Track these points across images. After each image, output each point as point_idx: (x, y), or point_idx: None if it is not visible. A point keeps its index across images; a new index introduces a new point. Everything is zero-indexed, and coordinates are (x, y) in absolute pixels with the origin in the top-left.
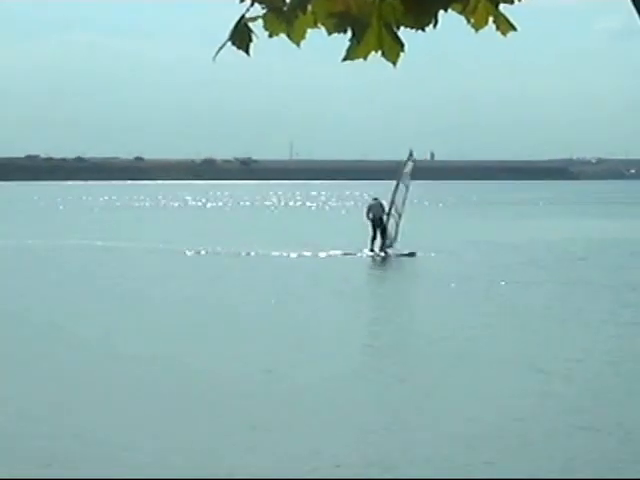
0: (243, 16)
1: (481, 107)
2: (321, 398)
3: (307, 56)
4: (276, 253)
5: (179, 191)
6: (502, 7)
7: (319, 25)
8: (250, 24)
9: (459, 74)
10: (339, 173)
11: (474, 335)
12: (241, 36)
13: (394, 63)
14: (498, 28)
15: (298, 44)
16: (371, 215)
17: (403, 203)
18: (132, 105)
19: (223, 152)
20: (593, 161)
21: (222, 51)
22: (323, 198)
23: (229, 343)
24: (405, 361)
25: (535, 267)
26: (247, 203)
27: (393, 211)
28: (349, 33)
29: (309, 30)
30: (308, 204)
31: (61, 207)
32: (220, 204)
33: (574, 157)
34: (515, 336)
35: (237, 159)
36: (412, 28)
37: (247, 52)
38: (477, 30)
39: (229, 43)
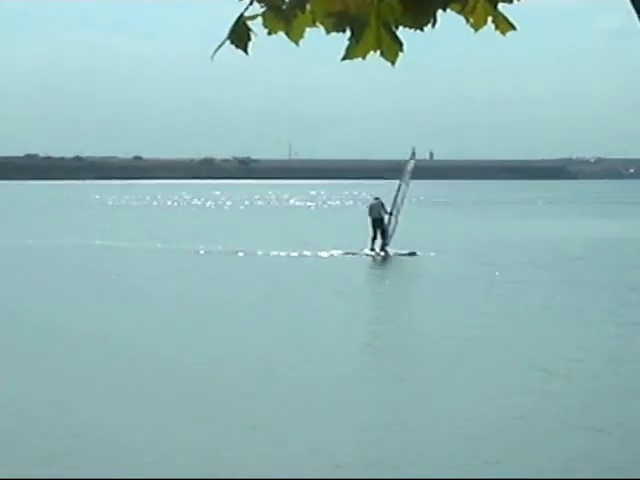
0: (242, 15)
1: (480, 107)
2: (321, 398)
3: (306, 56)
4: (276, 253)
5: (178, 190)
6: (501, 7)
7: (318, 24)
8: (249, 23)
9: (458, 74)
10: (338, 173)
11: (474, 335)
12: (240, 35)
13: (393, 63)
14: (497, 28)
15: (297, 43)
16: (371, 215)
17: (402, 202)
18: (131, 104)
19: (222, 151)
20: (592, 161)
21: (221, 50)
22: (323, 197)
23: (229, 343)
24: (405, 361)
25: (535, 267)
26: (246, 202)
27: (395, 211)
28: (348, 32)
29: (308, 29)
30: (307, 203)
31: (60, 206)
32: (219, 203)
33: (573, 157)
34: (515, 336)
35: (236, 158)
36: (411, 28)
37: (246, 51)
38: (476, 30)
39: (228, 42)
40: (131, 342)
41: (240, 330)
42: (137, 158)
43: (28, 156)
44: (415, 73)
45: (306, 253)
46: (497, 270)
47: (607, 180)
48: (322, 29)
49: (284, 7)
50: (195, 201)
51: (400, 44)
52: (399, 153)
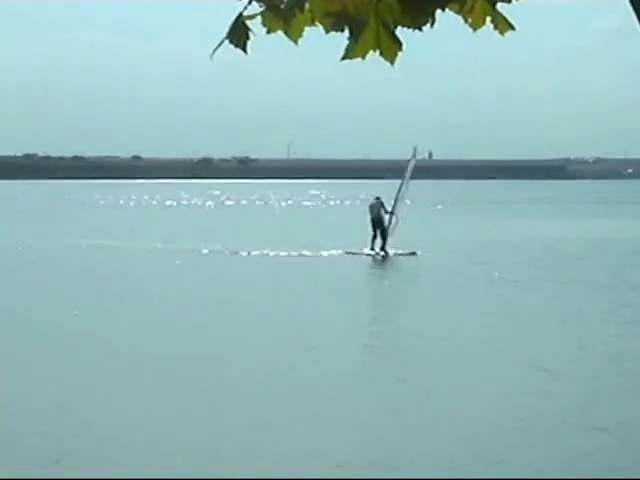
0: (241, 14)
1: (479, 106)
2: (321, 398)
3: (305, 55)
4: (276, 252)
5: (177, 190)
6: (499, 6)
7: (317, 23)
8: (248, 22)
9: (457, 73)
10: (337, 172)
11: (474, 334)
12: (239, 34)
13: (392, 62)
14: (496, 28)
15: (296, 42)
16: (371, 214)
17: (402, 200)
18: (130, 104)
19: (221, 151)
20: (591, 160)
21: (220, 49)
22: (323, 197)
23: (229, 342)
24: (405, 361)
25: (534, 266)
26: (245, 202)
27: (396, 210)
28: (347, 32)
29: (307, 28)
30: (307, 203)
31: (59, 206)
32: (219, 203)
33: (571, 156)
34: (515, 336)
35: (235, 158)
36: (409, 27)
37: (244, 50)
38: (475, 30)
39: (227, 41)
40: (131, 342)
41: (240, 330)
42: (136, 158)
43: (27, 156)
44: (414, 73)
45: (306, 253)
46: (497, 270)
47: (606, 180)
48: (321, 28)
49: (283, 6)
50: (194, 201)
51: (399, 44)
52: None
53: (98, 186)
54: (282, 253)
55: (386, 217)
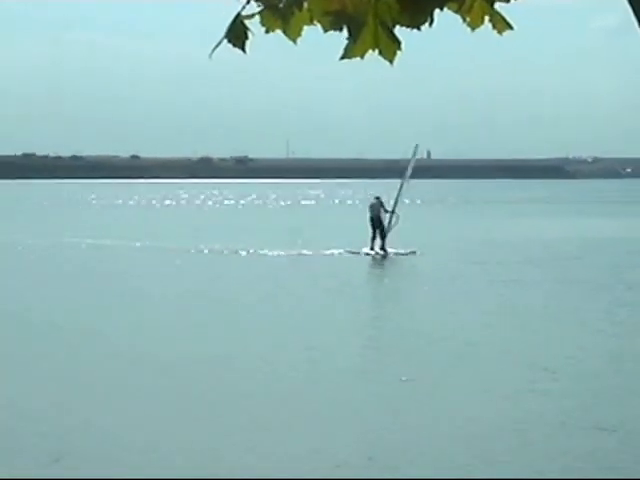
0: (239, 13)
1: (477, 106)
2: (321, 398)
3: (304, 55)
4: (275, 252)
5: (176, 190)
6: (498, 6)
7: (315, 23)
8: (246, 21)
9: (455, 73)
10: (336, 172)
11: (473, 334)
12: (237, 34)
13: (391, 61)
14: (494, 27)
15: (295, 41)
16: (371, 214)
17: (401, 199)
18: (128, 103)
19: (219, 150)
20: (589, 160)
21: (219, 49)
22: (322, 196)
23: (229, 342)
24: (405, 361)
25: (533, 266)
26: (243, 202)
27: (396, 208)
28: (345, 31)
29: (305, 28)
30: (306, 202)
31: (58, 205)
32: (218, 202)
33: (570, 156)
34: (514, 336)
35: (233, 157)
36: (408, 27)
37: (243, 50)
38: (473, 29)
39: (225, 41)
40: (131, 341)
41: (240, 329)
42: (135, 157)
43: (25, 155)
44: (412, 72)
45: (305, 252)
46: (496, 269)
47: (604, 179)
48: (319, 27)
49: (281, 5)
50: (193, 200)
51: (398, 43)
52: (397, 152)
53: (96, 186)
54: (282, 252)
55: (387, 216)
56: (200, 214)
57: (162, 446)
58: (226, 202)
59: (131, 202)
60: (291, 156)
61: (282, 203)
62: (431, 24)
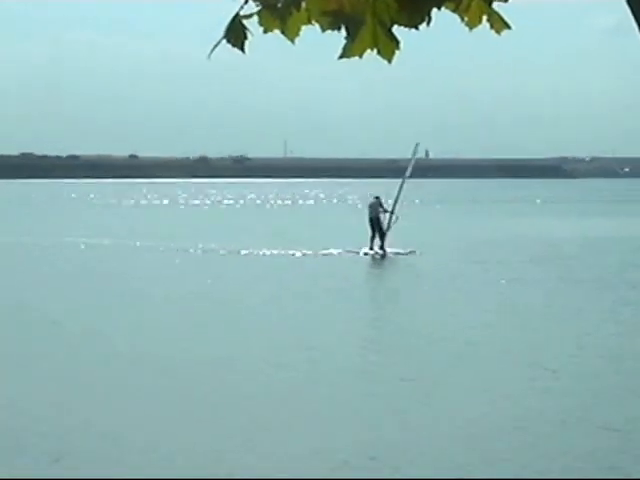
0: (237, 13)
1: (475, 105)
2: (321, 398)
3: (302, 54)
4: (275, 251)
5: (174, 189)
6: (496, 5)
7: (313, 22)
8: (245, 21)
9: (453, 72)
10: (334, 171)
11: (474, 334)
12: (236, 33)
13: (389, 61)
14: (492, 26)
15: (293, 41)
16: (370, 214)
17: (401, 200)
18: (126, 103)
19: (217, 150)
20: (587, 159)
21: (217, 49)
22: (321, 196)
23: (228, 343)
24: (405, 361)
25: (534, 265)
26: (241, 201)
27: (396, 208)
28: (343, 31)
29: (304, 27)
30: (304, 202)
31: (56, 205)
32: (216, 202)
33: (568, 155)
34: (515, 334)
35: (231, 157)
36: (406, 26)
37: (242, 49)
38: (471, 29)
39: (224, 41)
40: (131, 341)
41: (240, 330)
42: (133, 157)
43: (23, 154)
44: (411, 72)
45: (305, 252)
46: (495, 269)
47: (602, 179)
48: (317, 27)
49: (279, 5)
50: (192, 200)
51: (397, 42)
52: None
53: (95, 185)
54: (281, 252)
55: (386, 216)
56: (198, 214)
57: (162, 446)
58: (224, 202)
59: (131, 201)
60: (289, 156)
61: (280, 203)
62: (429, 23)
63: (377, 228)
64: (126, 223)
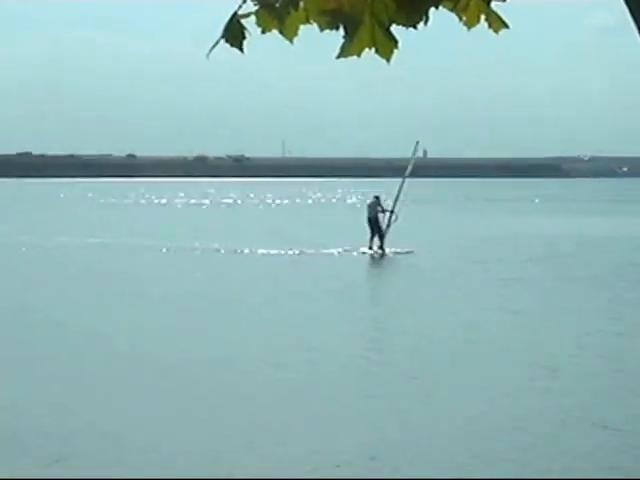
0: (236, 13)
1: (474, 105)
2: (321, 398)
3: (300, 54)
4: (274, 251)
5: (172, 188)
6: (494, 4)
7: (311, 21)
8: (243, 21)
9: (452, 72)
10: (332, 171)
11: (474, 333)
12: (234, 33)
13: (388, 60)
14: (490, 26)
15: (291, 40)
16: (369, 213)
17: (401, 199)
18: (124, 102)
19: (215, 149)
20: (585, 159)
21: (216, 49)
22: (319, 195)
23: (228, 343)
24: (405, 360)
25: (533, 264)
26: (240, 201)
27: (396, 207)
28: (342, 30)
29: (302, 27)
30: (303, 201)
31: (54, 204)
32: (214, 201)
33: (566, 155)
34: (515, 333)
35: (229, 156)
36: (404, 26)
37: (240, 49)
38: (469, 28)
39: (222, 40)
40: (132, 342)
41: (240, 330)
42: (131, 156)
43: (21, 154)
44: (409, 71)
45: (304, 251)
46: (495, 267)
47: (600, 178)
48: (316, 26)
49: (277, 5)
50: (190, 199)
51: (395, 41)
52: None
53: (93, 184)
54: (280, 251)
55: (386, 215)
56: (197, 213)
57: (163, 447)
58: (223, 201)
59: (129, 201)
60: (287, 155)
61: (279, 202)
62: (426, 23)
63: (376, 228)
64: (125, 222)
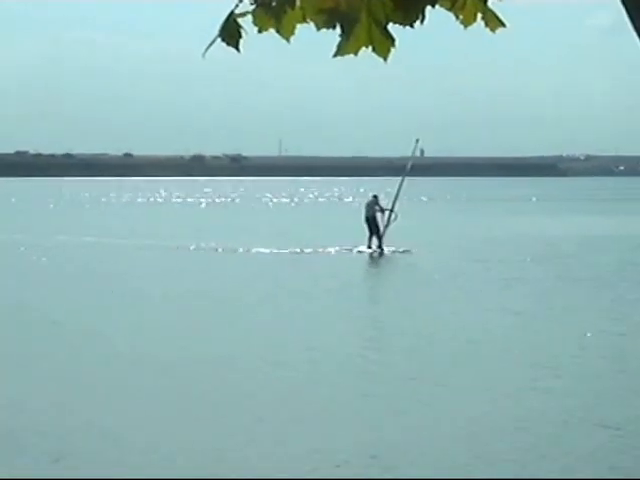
0: (232, 12)
1: (471, 104)
2: (320, 398)
3: (297, 53)
4: (272, 250)
5: (169, 188)
6: (491, 3)
7: (308, 20)
8: (239, 20)
9: (449, 70)
10: (329, 170)
11: (475, 333)
12: (230, 32)
13: (385, 58)
14: (487, 25)
15: (288, 39)
16: (367, 213)
17: (400, 197)
18: (123, 102)
19: (212, 148)
20: (582, 158)
21: (212, 48)
22: (317, 194)
23: (228, 342)
24: (406, 360)
25: (534, 264)
26: (237, 200)
27: (395, 206)
28: (338, 29)
29: (298, 26)
30: (300, 200)
31: (51, 204)
32: (211, 201)
33: (563, 154)
34: (517, 333)
35: (226, 155)
36: (401, 24)
37: (237, 48)
38: (466, 27)
39: (219, 39)
40: (131, 341)
41: (240, 329)
42: (127, 155)
43: (18, 153)
44: (406, 70)
45: (303, 250)
46: (496, 267)
47: (597, 177)
48: (312, 25)
49: (274, 4)
50: (187, 198)
51: (392, 40)
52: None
53: (89, 183)
54: (279, 250)
55: (385, 214)
56: (195, 212)
57: (163, 446)
58: (220, 200)
59: (126, 200)
60: (284, 154)
61: (276, 201)
62: (423, 21)
63: (374, 227)
64: (123, 222)
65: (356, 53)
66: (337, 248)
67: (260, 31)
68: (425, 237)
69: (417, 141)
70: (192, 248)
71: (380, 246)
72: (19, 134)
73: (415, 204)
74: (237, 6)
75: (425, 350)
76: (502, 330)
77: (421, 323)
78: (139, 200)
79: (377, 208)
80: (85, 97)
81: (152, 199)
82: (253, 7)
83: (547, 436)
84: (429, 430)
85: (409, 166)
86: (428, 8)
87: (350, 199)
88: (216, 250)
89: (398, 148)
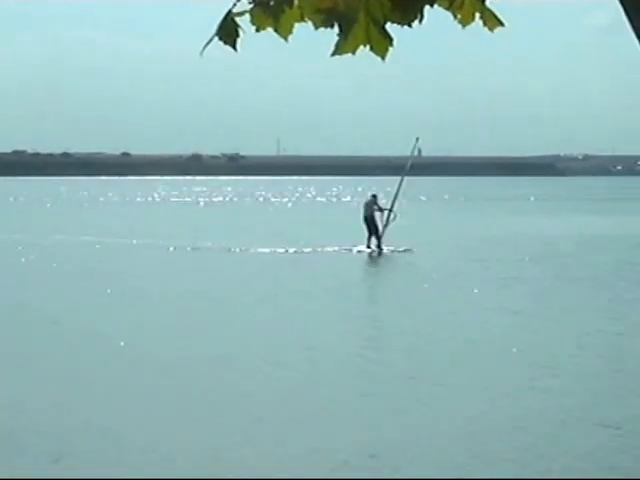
0: (230, 11)
1: (469, 103)
2: (320, 397)
3: (295, 52)
4: (271, 249)
5: (167, 187)
6: (489, 3)
7: (306, 19)
8: (237, 19)
9: (447, 70)
10: (327, 169)
11: (474, 332)
12: (228, 31)
13: (383, 57)
14: (485, 24)
15: (286, 39)
16: (365, 212)
17: (400, 197)
18: (120, 101)
19: (210, 148)
20: (580, 157)
21: (210, 47)
22: (315, 193)
23: (227, 342)
24: (405, 360)
25: (531, 263)
26: (235, 199)
27: (395, 205)
28: (336, 28)
29: (296, 25)
30: (299, 200)
31: (49, 203)
32: (208, 200)
33: (561, 154)
34: (515, 333)
35: (224, 155)
36: (399, 24)
37: (234, 47)
38: (464, 26)
39: (216, 38)
40: (131, 341)
41: (239, 329)
42: (125, 154)
43: (16, 152)
44: (405, 70)
45: (301, 250)
46: (492, 267)
47: (595, 177)
48: (310, 24)
49: (272, 3)
50: (185, 198)
51: (390, 39)
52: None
53: (87, 182)
54: (278, 250)
55: (384, 214)
56: (193, 211)
57: (162, 446)
58: (218, 200)
59: (124, 200)
60: (282, 153)
61: (274, 200)
62: (421, 21)
63: (372, 226)
64: (121, 221)
65: (354, 52)
66: (336, 248)
67: (258, 30)
68: (424, 236)
69: (417, 140)
70: (190, 248)
71: (379, 246)
72: (17, 133)
73: (413, 203)
74: (235, 5)
75: (424, 349)
76: (500, 329)
77: (420, 322)
78: (137, 199)
79: (376, 208)
80: (84, 97)
81: (150, 198)
82: (251, 6)
83: (545, 435)
84: (428, 429)
85: (409, 165)
86: (426, 7)
87: (348, 198)
88: (215, 249)
89: (396, 147)
